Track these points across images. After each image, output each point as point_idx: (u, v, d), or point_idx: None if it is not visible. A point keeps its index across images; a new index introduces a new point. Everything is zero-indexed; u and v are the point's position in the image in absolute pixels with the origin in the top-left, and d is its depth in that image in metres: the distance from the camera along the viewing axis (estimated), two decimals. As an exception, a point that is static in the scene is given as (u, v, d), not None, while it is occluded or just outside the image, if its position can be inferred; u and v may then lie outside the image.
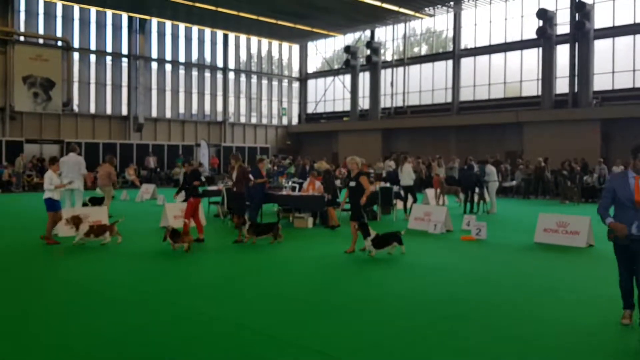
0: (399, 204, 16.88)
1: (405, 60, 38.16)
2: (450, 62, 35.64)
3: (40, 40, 32.20)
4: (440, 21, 36.77)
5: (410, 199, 16.65)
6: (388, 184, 17.49)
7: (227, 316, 6.33)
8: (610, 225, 5.65)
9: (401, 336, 5.73)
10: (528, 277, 8.62)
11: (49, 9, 32.44)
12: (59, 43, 32.62)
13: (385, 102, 38.94)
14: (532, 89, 31.66)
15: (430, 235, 12.88)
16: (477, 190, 17.75)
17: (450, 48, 35.97)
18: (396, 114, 38.26)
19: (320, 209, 14.20)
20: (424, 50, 38.46)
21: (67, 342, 5.47)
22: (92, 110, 34.76)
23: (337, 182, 20.74)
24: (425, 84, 37.29)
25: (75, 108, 33.85)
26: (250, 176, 12.54)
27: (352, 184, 10.58)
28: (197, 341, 5.48)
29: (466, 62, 35.22)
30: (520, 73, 32.45)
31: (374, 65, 38.20)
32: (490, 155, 26.77)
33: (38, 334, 5.71)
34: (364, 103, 39.90)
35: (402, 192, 16.65)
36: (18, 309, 6.63)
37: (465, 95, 35.17)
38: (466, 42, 35.39)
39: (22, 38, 31.45)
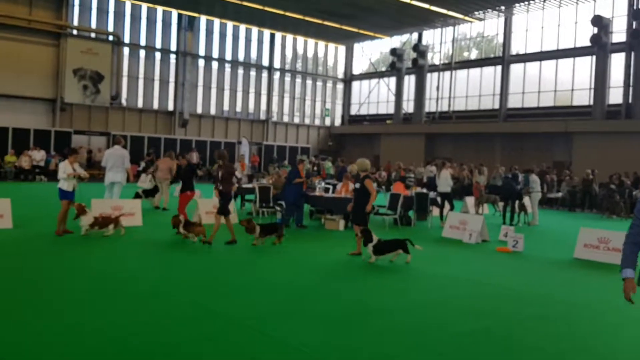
0: (436, 211, 16.46)
1: (452, 65, 37.43)
2: (499, 68, 34.75)
3: (92, 34, 33.07)
4: (491, 26, 35.92)
5: (447, 206, 16.22)
6: (425, 190, 17.10)
7: (241, 317, 6.18)
8: (625, 283, 4.05)
9: (414, 350, 5.45)
10: (560, 293, 8.19)
11: (102, 4, 33.28)
12: (110, 37, 33.42)
13: (430, 106, 38.31)
14: (583, 98, 30.50)
15: (464, 245, 12.46)
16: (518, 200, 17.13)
17: (500, 53, 35.07)
18: (441, 118, 37.58)
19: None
20: (474, 54, 37.67)
21: (78, 336, 5.43)
22: (140, 104, 35.47)
23: (375, 185, 20.50)
24: (473, 89, 36.49)
25: (124, 102, 34.60)
26: (235, 174, 11.91)
27: (357, 185, 10.39)
28: (210, 341, 5.36)
29: (516, 68, 34.27)
30: (572, 81, 31.32)
31: (420, 69, 37.64)
32: (537, 165, 25.94)
33: (51, 326, 5.70)
34: (409, 106, 39.37)
35: (438, 199, 16.23)
36: (27, 301, 6.66)
37: (514, 102, 34.21)
38: (517, 47, 34.44)
39: (74, 31, 32.34)
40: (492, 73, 35.26)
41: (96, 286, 7.31)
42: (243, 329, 5.81)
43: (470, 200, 20.04)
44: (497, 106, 34.64)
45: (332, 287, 8.01)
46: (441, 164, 16.76)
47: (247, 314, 6.30)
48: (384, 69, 41.91)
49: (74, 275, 7.95)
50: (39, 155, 26.88)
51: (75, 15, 32.42)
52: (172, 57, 36.36)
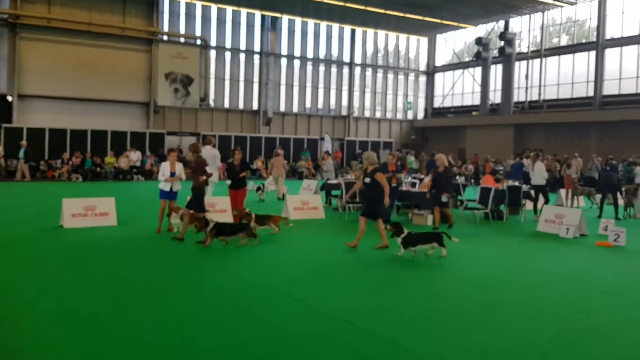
0: (529, 205, 15.84)
1: (542, 52, 35.89)
2: (592, 53, 32.95)
3: (181, 39, 34.46)
4: (582, 9, 34.09)
5: (541, 199, 15.57)
6: (517, 183, 16.50)
7: (336, 312, 6.25)
8: None
9: (518, 347, 5.30)
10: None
11: (190, 10, 34.61)
12: (198, 41, 34.70)
13: (518, 95, 36.95)
14: (689, 81, 28.34)
15: (561, 240, 11.93)
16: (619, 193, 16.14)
17: (593, 38, 33.23)
18: (530, 108, 36.16)
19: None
20: (564, 40, 35.91)
21: (189, 333, 5.70)
22: (226, 104, 36.61)
23: (462, 179, 20.06)
24: (564, 77, 34.86)
25: (211, 103, 35.84)
26: (206, 169, 11.18)
27: (367, 180, 10.27)
28: (310, 334, 5.47)
29: (611, 53, 32.35)
30: (676, 64, 29.18)
31: (507, 57, 36.34)
32: (638, 155, 24.42)
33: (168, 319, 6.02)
34: (495, 97, 38.15)
35: (532, 192, 15.62)
36: (133, 291, 7.07)
37: (609, 88, 32.33)
38: (612, 31, 32.48)
39: (165, 37, 33.87)
40: (585, 59, 33.52)
41: (192, 279, 7.65)
42: (338, 322, 5.86)
43: (564, 193, 19.16)
44: (591, 94, 32.90)
45: (428, 281, 7.92)
46: (535, 156, 16.09)
47: (341, 308, 6.35)
48: (468, 59, 40.86)
49: (173, 270, 8.34)
50: (135, 156, 28.37)
51: (165, 21, 33.93)
52: (256, 57, 37.24)
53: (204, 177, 10.88)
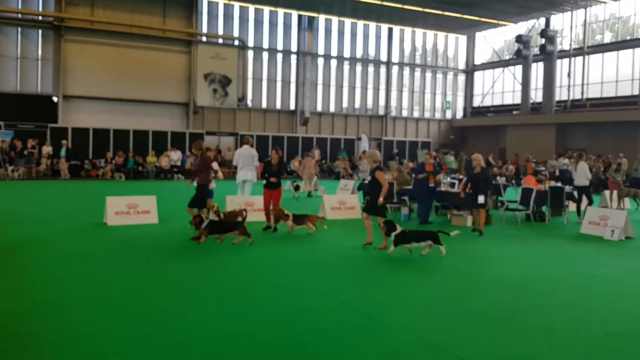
0: (572, 206, 15.46)
1: (585, 49, 35.00)
2: (637, 50, 31.99)
3: (220, 40, 34.91)
4: (626, 5, 33.12)
5: (584, 200, 15.18)
6: (560, 184, 16.14)
7: (375, 312, 6.24)
8: None
9: (561, 351, 5.19)
10: None
11: (228, 11, 35.02)
12: (236, 42, 35.09)
13: (560, 94, 36.13)
14: None
15: (605, 242, 11.62)
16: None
17: (638, 35, 32.24)
18: (573, 107, 35.31)
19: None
20: (608, 38, 34.95)
21: (227, 326, 5.78)
22: (264, 105, 36.89)
23: (503, 180, 19.73)
24: (608, 75, 33.93)
25: (249, 103, 36.18)
26: (212, 166, 11.45)
27: (369, 178, 10.51)
28: (335, 332, 5.47)
29: (659, 49, 31.35)
30: None
31: (548, 55, 35.57)
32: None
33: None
34: (537, 96, 37.39)
35: (575, 193, 15.24)
36: (172, 288, 7.19)
37: (657, 86, 31.34)
38: (659, 26, 31.50)
39: (204, 38, 34.37)
40: (629, 56, 32.58)
41: (237, 277, 7.75)
42: (375, 321, 5.86)
43: (609, 195, 18.64)
44: (636, 92, 31.95)
45: (467, 283, 7.81)
46: (578, 156, 15.71)
47: (381, 309, 6.35)
48: (508, 57, 40.17)
49: (215, 267, 8.45)
50: (175, 156, 28.88)
51: (204, 22, 34.42)
52: (293, 57, 37.41)
53: (213, 175, 11.10)
